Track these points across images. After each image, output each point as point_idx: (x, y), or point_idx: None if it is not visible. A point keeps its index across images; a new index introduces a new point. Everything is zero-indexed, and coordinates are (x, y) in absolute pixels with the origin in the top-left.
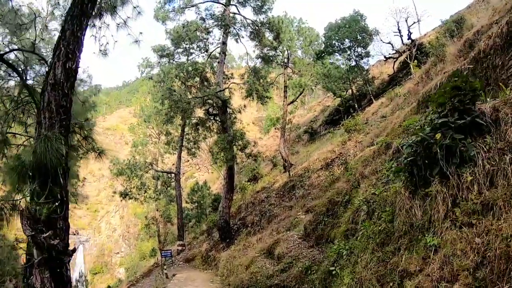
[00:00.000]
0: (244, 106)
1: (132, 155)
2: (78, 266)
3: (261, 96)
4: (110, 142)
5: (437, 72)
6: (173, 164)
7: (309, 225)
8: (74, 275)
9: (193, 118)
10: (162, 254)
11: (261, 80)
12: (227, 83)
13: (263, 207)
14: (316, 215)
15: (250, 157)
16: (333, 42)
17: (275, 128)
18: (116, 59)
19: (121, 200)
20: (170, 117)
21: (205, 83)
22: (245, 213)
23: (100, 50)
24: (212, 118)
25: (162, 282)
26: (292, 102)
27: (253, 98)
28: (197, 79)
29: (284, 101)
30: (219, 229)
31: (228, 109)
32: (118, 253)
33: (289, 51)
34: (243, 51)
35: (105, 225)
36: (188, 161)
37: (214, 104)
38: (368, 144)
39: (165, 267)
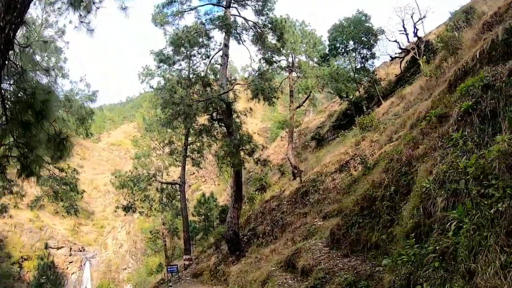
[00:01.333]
0: (250, 109)
1: (135, 166)
2: (84, 282)
3: (267, 96)
4: (115, 158)
5: (453, 62)
6: (179, 177)
7: (337, 229)
8: None
9: (196, 125)
10: (168, 269)
11: (267, 83)
12: (230, 87)
13: (275, 215)
14: (346, 217)
15: (258, 162)
16: (338, 44)
17: (281, 137)
18: (119, 76)
19: (125, 215)
20: (171, 120)
21: (208, 88)
22: (255, 224)
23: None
24: (216, 124)
25: None
26: (299, 107)
27: (259, 99)
28: (199, 85)
29: (290, 106)
30: (227, 241)
31: (233, 112)
32: (125, 268)
33: (293, 55)
34: (245, 62)
35: (111, 240)
36: (193, 173)
37: (218, 108)
38: (385, 141)
39: (170, 283)
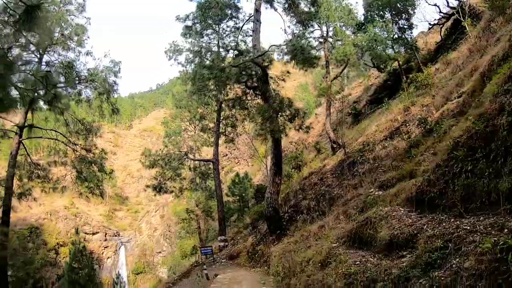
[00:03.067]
0: (288, 72)
1: (165, 145)
2: (119, 266)
3: (307, 57)
4: (148, 143)
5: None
6: (213, 155)
7: (424, 189)
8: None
9: (227, 98)
10: (202, 251)
11: (305, 40)
12: (265, 50)
13: (319, 190)
14: (439, 169)
15: (301, 129)
16: (373, 12)
17: (315, 114)
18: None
19: (155, 195)
20: (202, 87)
21: (240, 57)
22: (295, 200)
23: None
24: (250, 95)
25: (201, 285)
26: (335, 78)
27: (297, 62)
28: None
29: (326, 77)
30: (267, 219)
31: (269, 78)
32: (159, 252)
33: (327, 23)
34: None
35: (145, 225)
36: (226, 155)
37: (253, 73)
38: (441, 103)
39: (204, 266)
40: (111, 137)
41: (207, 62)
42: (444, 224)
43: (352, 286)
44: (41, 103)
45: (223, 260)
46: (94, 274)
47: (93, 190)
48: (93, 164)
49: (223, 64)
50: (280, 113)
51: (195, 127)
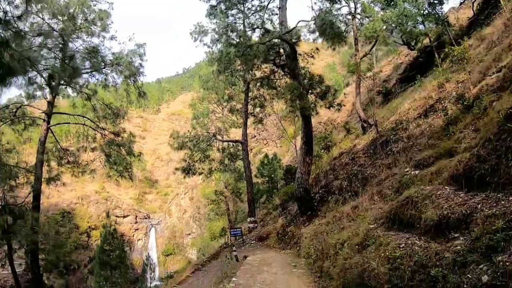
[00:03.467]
0: (317, 49)
1: (193, 127)
2: (150, 248)
3: (336, 32)
4: (176, 127)
5: None
6: (242, 136)
7: (475, 162)
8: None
9: (256, 74)
10: (232, 233)
11: (334, 16)
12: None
13: (350, 170)
14: (489, 143)
15: (331, 107)
16: None
17: (344, 94)
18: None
19: (184, 177)
20: (229, 65)
21: (267, 35)
22: (326, 181)
23: None
24: (278, 73)
25: (231, 267)
26: (365, 55)
27: (327, 38)
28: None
29: (355, 55)
30: (297, 199)
31: (297, 55)
32: (189, 234)
33: None
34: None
35: (175, 207)
36: (255, 136)
37: (281, 51)
38: (479, 78)
39: (234, 248)
40: (140, 122)
41: (233, 41)
42: (502, 202)
43: (398, 271)
44: (69, 90)
45: (252, 242)
46: (124, 256)
47: (122, 173)
48: (121, 147)
49: (250, 42)
50: (310, 91)
51: (222, 108)
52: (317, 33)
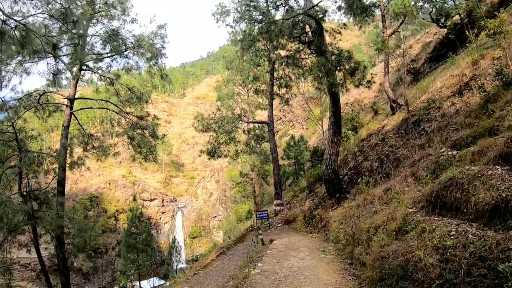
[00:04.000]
0: (344, 24)
1: (218, 108)
2: (176, 231)
3: (365, 6)
4: (201, 110)
5: None
6: (268, 116)
7: None
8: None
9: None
10: (258, 215)
11: None
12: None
13: (380, 150)
14: None
15: (360, 85)
16: None
17: (371, 74)
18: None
19: (209, 159)
20: (252, 43)
21: (291, 11)
22: (354, 162)
23: None
24: (305, 49)
25: (256, 251)
26: (393, 33)
27: (354, 12)
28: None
29: (384, 32)
30: (326, 181)
31: (324, 31)
32: (215, 216)
33: None
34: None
35: (201, 190)
36: (280, 118)
37: (307, 27)
38: None
39: (260, 231)
40: (165, 106)
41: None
42: None
43: (452, 264)
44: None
45: (278, 225)
46: (151, 239)
47: (146, 155)
48: (145, 130)
49: (274, 18)
50: (338, 67)
51: (247, 90)
52: (343, 10)
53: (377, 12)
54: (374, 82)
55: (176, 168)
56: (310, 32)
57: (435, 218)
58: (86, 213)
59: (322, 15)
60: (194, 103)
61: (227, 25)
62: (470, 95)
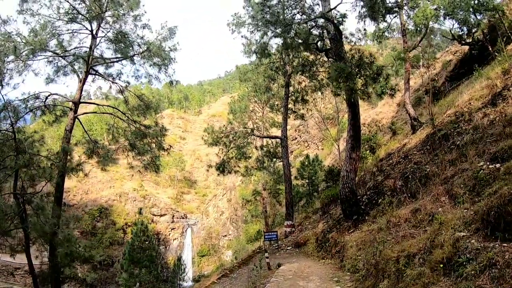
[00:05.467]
0: (365, 29)
1: (229, 122)
2: (185, 248)
3: (388, 7)
4: (215, 128)
5: None
6: (281, 132)
7: None
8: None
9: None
10: (266, 237)
11: None
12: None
13: (404, 168)
14: None
15: (383, 93)
16: None
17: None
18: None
19: (218, 175)
20: (265, 46)
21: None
22: (373, 182)
23: None
24: (324, 55)
25: (262, 275)
26: (414, 48)
27: (375, 14)
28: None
29: (404, 47)
30: (342, 201)
31: (342, 36)
32: (225, 236)
33: None
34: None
35: (212, 208)
36: (296, 138)
37: (324, 32)
38: None
39: (266, 254)
40: (181, 122)
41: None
42: None
43: None
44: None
45: (288, 248)
46: (156, 254)
47: (147, 165)
48: (148, 137)
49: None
50: (359, 72)
51: (263, 108)
52: (363, 14)
53: (397, 22)
54: (398, 90)
55: (189, 184)
56: (327, 39)
57: (505, 245)
58: (95, 223)
59: (341, 19)
60: (209, 120)
61: (242, 36)
62: (504, 105)
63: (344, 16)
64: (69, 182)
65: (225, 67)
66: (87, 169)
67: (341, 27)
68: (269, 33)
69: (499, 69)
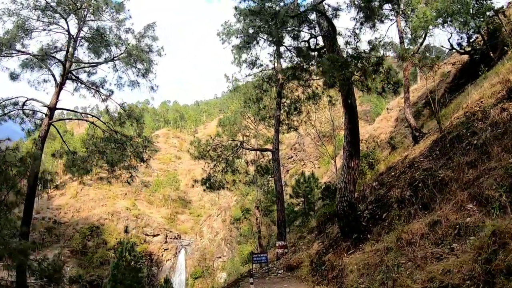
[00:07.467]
0: (361, 24)
1: (218, 134)
2: (179, 269)
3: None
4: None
5: None
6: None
7: None
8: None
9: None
10: (254, 259)
11: None
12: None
13: (410, 177)
14: None
15: (384, 91)
16: None
17: (387, 109)
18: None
19: (204, 190)
20: (251, 40)
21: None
22: (375, 196)
23: None
24: (316, 54)
25: None
26: (413, 54)
27: (372, 12)
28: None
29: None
30: (340, 218)
31: (336, 33)
32: (220, 257)
33: None
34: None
35: (207, 229)
36: (292, 157)
37: (316, 27)
38: None
39: (251, 279)
40: (176, 142)
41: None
42: None
43: None
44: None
45: (279, 271)
46: (141, 275)
47: (118, 176)
48: (124, 145)
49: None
50: (356, 62)
51: (256, 123)
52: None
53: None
54: (402, 84)
55: (183, 204)
56: (320, 36)
57: None
58: (86, 242)
59: (334, 11)
60: (205, 139)
61: (232, 46)
62: None
63: (337, 9)
64: (61, 199)
65: (222, 70)
66: (79, 188)
67: (334, 21)
68: (256, 22)
69: (509, 64)
